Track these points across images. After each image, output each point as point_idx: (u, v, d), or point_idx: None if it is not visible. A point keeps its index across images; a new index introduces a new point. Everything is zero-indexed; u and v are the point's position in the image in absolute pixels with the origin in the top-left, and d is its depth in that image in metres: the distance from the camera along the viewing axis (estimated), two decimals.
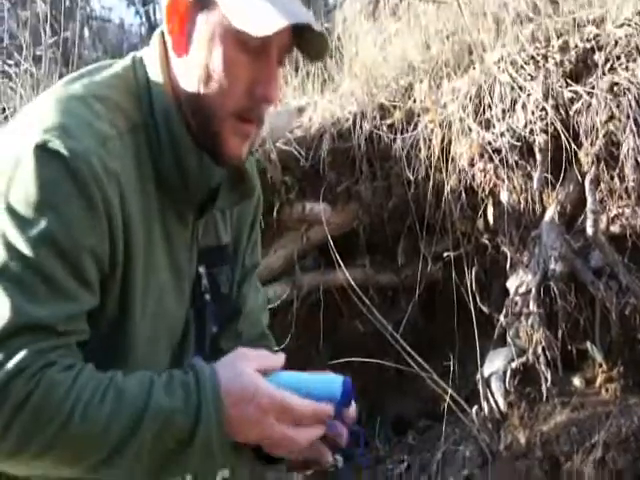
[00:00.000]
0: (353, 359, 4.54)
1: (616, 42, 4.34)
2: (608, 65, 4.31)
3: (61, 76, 5.99)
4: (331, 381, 1.58)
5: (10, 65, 6.10)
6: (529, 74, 4.46)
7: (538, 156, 4.33)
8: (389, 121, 4.78)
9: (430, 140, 4.63)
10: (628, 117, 4.13)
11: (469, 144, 4.51)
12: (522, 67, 4.49)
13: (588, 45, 4.41)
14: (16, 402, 1.41)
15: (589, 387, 4.25)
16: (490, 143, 4.44)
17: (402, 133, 4.70)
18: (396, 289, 5.05)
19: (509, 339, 4.28)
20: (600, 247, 4.20)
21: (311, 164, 4.78)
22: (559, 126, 4.27)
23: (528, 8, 4.83)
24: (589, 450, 3.91)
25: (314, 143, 4.82)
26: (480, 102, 4.53)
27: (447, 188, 4.57)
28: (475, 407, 4.25)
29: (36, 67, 6.04)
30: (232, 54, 1.63)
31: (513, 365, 4.19)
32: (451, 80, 4.76)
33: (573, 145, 4.27)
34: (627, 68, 4.25)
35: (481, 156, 4.48)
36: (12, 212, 1.49)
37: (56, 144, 1.50)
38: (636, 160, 4.10)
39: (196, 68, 1.66)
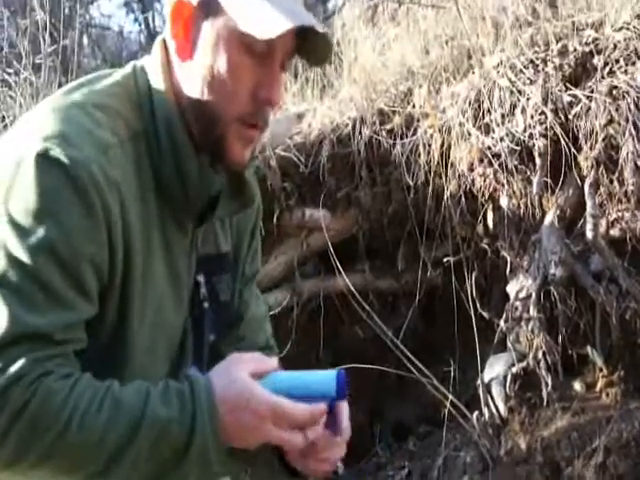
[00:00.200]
0: (353, 365, 4.54)
1: (615, 46, 4.34)
2: (607, 69, 4.30)
3: (60, 84, 6.00)
4: (325, 377, 1.58)
5: (9, 74, 6.10)
6: (528, 78, 4.45)
7: (537, 160, 4.32)
8: (388, 126, 4.77)
9: (430, 145, 4.62)
10: (627, 121, 4.13)
11: (468, 149, 4.50)
12: (521, 71, 4.48)
13: (587, 49, 4.40)
14: (13, 410, 1.41)
15: (590, 392, 4.25)
16: (489, 148, 4.43)
17: (402, 138, 4.70)
18: (396, 294, 5.05)
19: (509, 344, 4.27)
20: (600, 251, 4.20)
21: (311, 170, 4.78)
22: (558, 130, 4.26)
23: (527, 12, 4.83)
24: (590, 455, 3.90)
25: (314, 149, 4.81)
26: (479, 107, 4.53)
27: (447, 193, 4.57)
28: (476, 412, 4.24)
29: (35, 75, 6.04)
30: (237, 58, 1.63)
31: (513, 370, 4.18)
32: (450, 85, 4.76)
33: (572, 149, 4.26)
34: (626, 72, 4.24)
35: (480, 161, 4.48)
36: (12, 220, 1.49)
37: (56, 152, 1.50)
38: (635, 164, 4.10)
39: (200, 72, 1.66)
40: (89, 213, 1.51)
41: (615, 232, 4.24)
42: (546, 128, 4.30)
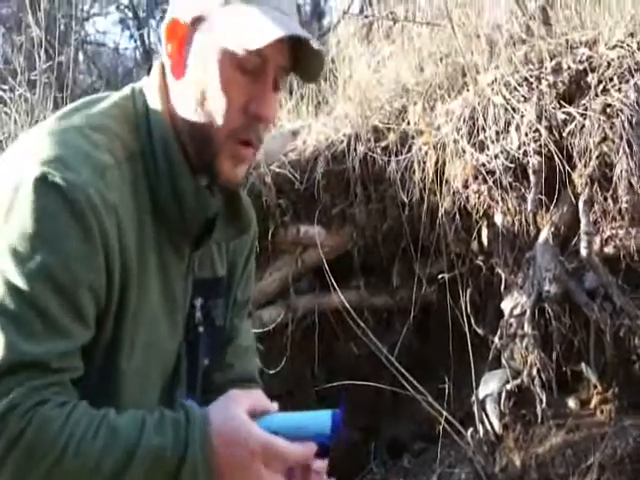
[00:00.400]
0: (348, 382, 4.54)
1: (609, 64, 4.35)
2: (601, 87, 4.32)
3: (56, 101, 6.01)
4: (321, 417, 1.58)
5: (5, 90, 6.10)
6: (522, 96, 4.46)
7: (532, 177, 4.34)
8: (383, 143, 4.78)
9: (424, 162, 4.63)
10: (621, 138, 4.14)
11: (463, 166, 4.51)
12: (515, 89, 4.50)
13: (581, 67, 4.42)
14: (9, 439, 1.41)
15: (584, 408, 4.25)
16: (484, 165, 4.44)
17: (396, 155, 4.71)
18: (391, 311, 5.05)
19: (504, 361, 4.28)
20: (594, 268, 4.20)
21: (305, 187, 4.79)
22: (553, 147, 4.27)
23: (521, 30, 4.85)
24: (584, 472, 3.90)
25: (308, 166, 4.82)
26: (474, 124, 4.54)
27: (441, 210, 4.58)
28: (470, 429, 4.24)
29: (31, 92, 6.04)
30: (228, 73, 1.62)
31: (508, 387, 4.18)
32: (445, 102, 4.77)
33: (567, 166, 4.27)
34: (620, 89, 4.25)
35: (475, 178, 4.49)
36: (9, 245, 1.48)
37: (54, 176, 1.49)
38: (629, 181, 4.11)
39: (192, 89, 1.65)
40: (86, 237, 1.50)
41: (609, 249, 4.24)
42: (540, 145, 4.31)
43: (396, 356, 4.48)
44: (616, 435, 3.98)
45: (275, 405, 1.61)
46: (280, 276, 4.81)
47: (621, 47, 4.38)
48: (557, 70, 4.47)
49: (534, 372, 4.12)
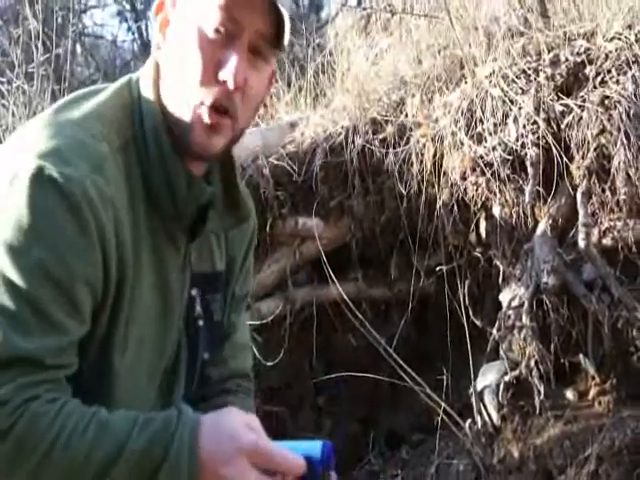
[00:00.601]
0: (346, 374, 4.55)
1: (607, 55, 4.35)
2: (599, 78, 4.32)
3: (53, 93, 6.01)
4: (312, 444, 1.57)
5: (2, 82, 6.09)
6: (520, 88, 4.46)
7: (530, 170, 4.34)
8: (381, 136, 4.78)
9: (422, 154, 4.63)
10: (619, 130, 4.14)
11: (461, 158, 4.51)
12: (513, 81, 4.50)
13: (579, 59, 4.42)
14: (0, 431, 1.41)
15: (582, 400, 4.26)
16: (482, 157, 4.44)
17: (394, 147, 4.70)
18: (389, 303, 5.05)
19: (502, 352, 4.28)
20: (592, 260, 4.21)
21: (303, 179, 4.78)
22: (550, 140, 4.27)
23: (519, 22, 4.85)
24: (582, 463, 3.91)
25: (306, 158, 4.82)
26: (472, 116, 4.54)
27: (439, 202, 4.58)
28: (468, 421, 4.25)
29: (28, 84, 6.04)
30: (201, 39, 1.60)
31: (506, 378, 4.18)
32: (443, 94, 4.77)
33: (564, 158, 4.27)
34: (618, 81, 4.26)
35: (473, 170, 4.49)
36: (4, 240, 1.47)
37: (50, 170, 1.48)
38: (627, 173, 4.11)
39: (167, 64, 1.66)
40: (83, 231, 1.50)
41: (607, 241, 4.25)
42: (538, 137, 4.31)
43: (394, 348, 4.48)
44: (614, 426, 3.98)
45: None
46: (278, 268, 4.81)
47: (619, 39, 4.38)
48: (555, 62, 4.47)
49: (532, 363, 4.13)
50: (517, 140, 4.38)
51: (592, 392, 4.24)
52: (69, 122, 1.60)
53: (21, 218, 1.47)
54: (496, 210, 4.46)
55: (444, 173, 4.56)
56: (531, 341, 4.15)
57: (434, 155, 4.59)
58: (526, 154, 4.34)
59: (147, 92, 1.69)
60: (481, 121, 4.51)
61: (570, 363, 4.30)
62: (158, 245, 1.68)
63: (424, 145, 4.63)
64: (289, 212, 4.76)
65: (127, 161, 1.63)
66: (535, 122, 4.34)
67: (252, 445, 1.47)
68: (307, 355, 5.00)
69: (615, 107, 4.19)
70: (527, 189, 4.35)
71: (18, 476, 1.43)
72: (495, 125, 4.47)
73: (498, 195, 4.42)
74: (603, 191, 4.24)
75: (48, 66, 6.50)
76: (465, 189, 4.52)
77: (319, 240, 4.69)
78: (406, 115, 4.80)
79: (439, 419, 4.28)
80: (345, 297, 4.59)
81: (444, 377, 4.31)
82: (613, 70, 4.30)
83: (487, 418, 4.21)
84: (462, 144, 4.51)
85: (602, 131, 4.21)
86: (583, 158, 4.24)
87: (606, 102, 4.23)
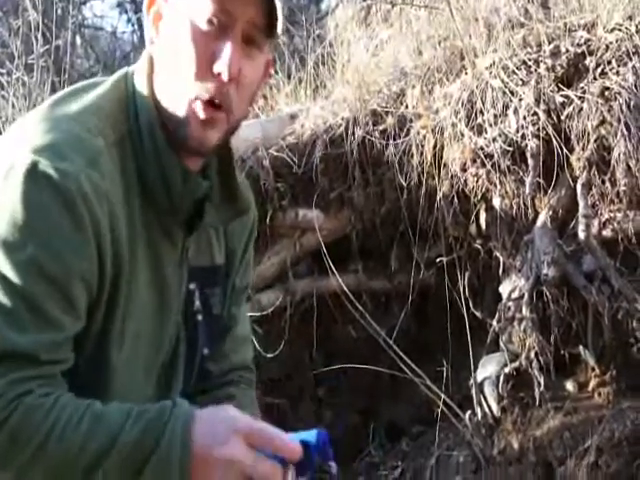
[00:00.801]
0: (346, 365, 4.55)
1: (607, 47, 4.35)
2: (599, 70, 4.32)
3: (53, 84, 6.01)
4: (308, 432, 1.57)
5: (2, 74, 6.09)
6: (521, 79, 4.46)
7: (530, 161, 4.33)
8: (381, 127, 4.77)
9: (422, 146, 4.63)
10: (619, 121, 4.14)
11: (461, 149, 4.51)
12: (514, 72, 4.49)
13: (579, 50, 4.42)
14: None
15: (582, 391, 4.26)
16: (482, 148, 4.44)
17: (394, 139, 4.70)
18: (389, 295, 5.05)
19: (502, 344, 4.28)
20: (592, 251, 4.21)
21: (304, 171, 4.78)
22: (551, 131, 4.27)
23: (519, 13, 4.84)
24: (582, 455, 3.92)
25: (306, 150, 4.81)
26: (472, 107, 4.53)
27: (439, 194, 4.58)
28: (468, 412, 4.25)
29: (28, 76, 6.03)
30: (194, 32, 1.59)
31: (506, 370, 4.19)
32: (443, 86, 4.77)
33: (565, 150, 4.27)
34: (618, 72, 4.25)
35: (473, 161, 4.48)
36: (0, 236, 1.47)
37: (45, 166, 1.48)
38: (627, 164, 4.11)
39: (161, 59, 1.65)
40: (78, 227, 1.49)
41: (607, 232, 4.25)
42: (538, 129, 4.31)
43: (394, 339, 4.48)
44: (614, 418, 3.99)
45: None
46: (278, 260, 4.81)
47: (619, 30, 4.38)
48: (555, 53, 4.46)
49: (532, 355, 4.13)
50: (517, 131, 4.38)
51: (592, 383, 4.24)
52: (65, 116, 1.60)
53: (15, 214, 1.46)
54: (496, 201, 4.46)
55: (444, 164, 4.56)
56: (531, 332, 4.15)
57: (434, 146, 4.59)
58: (526, 145, 4.34)
59: (141, 87, 1.67)
60: (481, 112, 4.50)
61: (570, 354, 4.30)
62: (154, 240, 1.68)
63: (424, 136, 4.63)
64: (289, 204, 4.76)
65: (122, 155, 1.62)
66: (535, 113, 4.34)
67: (248, 426, 1.46)
68: (307, 347, 5.00)
69: (615, 98, 4.19)
70: (527, 180, 4.35)
71: (12, 468, 1.44)
72: (495, 116, 4.47)
73: (498, 186, 4.42)
74: (603, 182, 4.24)
75: (48, 57, 6.50)
76: (465, 180, 4.52)
77: (319, 232, 4.69)
78: (406, 106, 4.80)
79: (439, 411, 4.28)
80: (345, 289, 4.59)
81: (444, 369, 4.31)
82: (613, 61, 4.30)
83: (487, 410, 4.22)
84: (462, 135, 4.51)
85: (602, 122, 4.21)
86: (583, 149, 4.24)
87: (606, 93, 4.23)
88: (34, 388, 1.44)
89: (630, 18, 4.43)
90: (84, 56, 10.66)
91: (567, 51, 4.43)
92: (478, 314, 4.48)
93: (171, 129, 1.64)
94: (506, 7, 4.91)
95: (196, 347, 1.83)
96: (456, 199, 4.57)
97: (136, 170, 1.64)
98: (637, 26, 4.35)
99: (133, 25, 10.99)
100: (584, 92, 4.28)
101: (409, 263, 4.81)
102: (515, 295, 4.27)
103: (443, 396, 4.25)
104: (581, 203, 4.23)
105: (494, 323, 4.30)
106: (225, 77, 1.58)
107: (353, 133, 4.77)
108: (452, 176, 4.54)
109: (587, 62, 4.36)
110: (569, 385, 4.29)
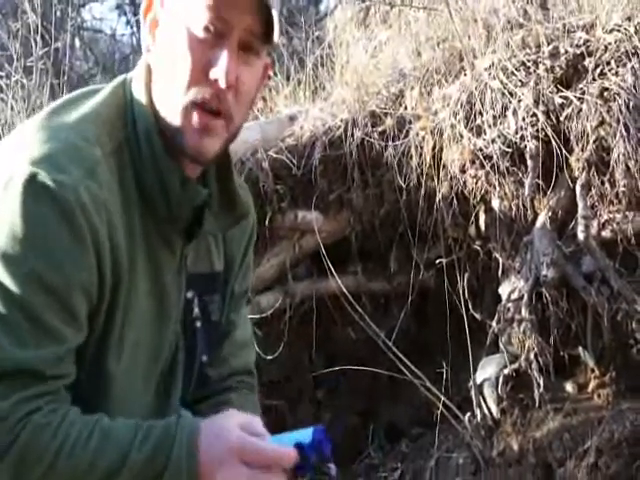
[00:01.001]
0: (346, 367, 4.54)
1: (606, 47, 4.35)
2: (598, 70, 4.31)
3: (52, 87, 6.01)
4: (304, 431, 1.57)
5: (1, 77, 6.09)
6: (520, 80, 4.46)
7: (529, 162, 4.33)
8: (380, 128, 4.77)
9: (421, 147, 4.62)
10: (618, 122, 4.14)
11: (460, 151, 4.50)
12: (513, 73, 4.49)
13: (578, 51, 4.41)
14: (2, 445, 1.41)
15: (581, 393, 4.26)
16: (481, 149, 4.43)
17: (393, 140, 4.70)
18: (388, 296, 5.05)
19: (501, 345, 4.28)
20: (591, 252, 4.20)
21: (303, 172, 4.78)
22: (550, 132, 4.27)
23: (518, 14, 4.83)
24: (582, 456, 3.91)
25: (306, 151, 4.81)
26: (471, 109, 4.53)
27: (439, 195, 4.57)
28: (468, 414, 4.25)
29: (27, 78, 6.04)
30: (191, 39, 1.59)
31: (505, 371, 4.18)
32: (442, 87, 4.76)
33: (564, 151, 4.27)
34: (617, 73, 4.25)
35: (472, 163, 4.48)
36: None
37: (43, 177, 1.48)
38: (627, 165, 4.11)
39: (158, 67, 1.64)
40: (77, 237, 1.49)
41: (606, 233, 4.25)
42: (537, 130, 4.31)
43: (394, 341, 4.48)
44: (613, 419, 3.98)
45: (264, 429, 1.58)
46: (278, 262, 4.81)
47: (618, 31, 4.37)
48: (554, 54, 4.46)
49: (532, 356, 4.12)
50: (516, 132, 4.37)
51: (591, 385, 4.24)
52: (63, 125, 1.60)
53: (14, 226, 1.47)
54: (495, 203, 4.46)
55: (443, 166, 4.56)
56: (530, 334, 4.15)
57: (433, 148, 4.59)
58: (525, 146, 4.34)
59: (139, 95, 1.67)
60: (480, 113, 4.50)
61: (569, 356, 4.30)
62: (153, 248, 1.68)
63: (423, 138, 4.63)
64: (288, 206, 4.76)
65: (120, 164, 1.62)
66: (534, 114, 4.34)
67: (240, 444, 1.48)
68: (307, 348, 5.00)
69: (614, 99, 4.18)
70: (526, 182, 4.34)
71: None
72: (494, 117, 4.46)
73: (497, 188, 4.42)
74: (602, 183, 4.23)
75: (47, 60, 6.51)
76: (464, 182, 4.51)
77: (318, 233, 4.68)
78: (405, 108, 4.79)
79: (438, 412, 4.28)
80: (345, 290, 4.59)
81: (444, 370, 4.31)
82: (612, 62, 4.30)
83: (487, 411, 4.21)
84: (461, 137, 4.50)
85: (601, 123, 4.20)
86: (582, 150, 4.24)
87: (605, 94, 4.23)
88: (42, 405, 1.45)
89: (629, 19, 4.43)
90: (83, 58, 10.66)
91: (566, 52, 4.42)
92: (477, 315, 4.47)
93: (169, 137, 1.64)
94: (505, 8, 4.90)
95: (195, 354, 1.83)
96: (455, 200, 4.57)
97: (134, 178, 1.64)
98: (636, 27, 4.34)
99: (132, 27, 10.97)
100: (583, 93, 4.28)
101: (408, 264, 4.81)
102: (514, 296, 4.27)
103: (443, 398, 4.25)
104: (580, 204, 4.23)
105: (493, 324, 4.30)
106: (222, 84, 1.57)
107: (352, 134, 4.77)
108: (451, 177, 4.54)
109: (586, 63, 4.36)
110: (569, 386, 4.29)
